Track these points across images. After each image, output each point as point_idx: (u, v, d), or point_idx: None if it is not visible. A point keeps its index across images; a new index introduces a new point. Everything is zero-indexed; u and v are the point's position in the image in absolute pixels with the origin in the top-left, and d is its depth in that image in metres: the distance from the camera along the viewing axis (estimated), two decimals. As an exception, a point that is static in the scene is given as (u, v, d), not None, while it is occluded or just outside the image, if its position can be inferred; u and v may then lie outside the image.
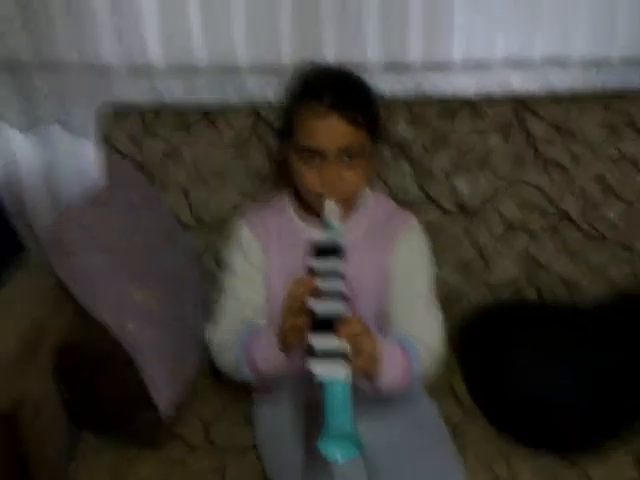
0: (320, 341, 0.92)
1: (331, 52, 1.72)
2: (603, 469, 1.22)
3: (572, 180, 1.57)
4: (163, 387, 1.27)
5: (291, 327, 1.00)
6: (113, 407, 1.26)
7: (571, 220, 1.59)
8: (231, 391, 1.38)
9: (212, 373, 1.44)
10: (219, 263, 1.56)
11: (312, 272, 1.00)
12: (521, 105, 1.57)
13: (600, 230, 1.59)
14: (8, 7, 1.70)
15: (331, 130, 1.10)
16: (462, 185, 1.57)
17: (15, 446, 1.09)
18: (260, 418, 1.27)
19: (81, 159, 1.87)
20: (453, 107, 1.56)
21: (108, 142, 1.57)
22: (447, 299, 1.57)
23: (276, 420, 1.23)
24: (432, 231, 1.54)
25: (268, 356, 1.07)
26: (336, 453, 0.88)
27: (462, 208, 1.58)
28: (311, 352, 0.91)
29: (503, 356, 1.34)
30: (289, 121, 1.16)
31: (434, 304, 1.22)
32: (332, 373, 0.90)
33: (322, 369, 0.90)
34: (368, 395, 1.05)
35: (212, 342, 1.20)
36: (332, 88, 1.12)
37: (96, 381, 1.24)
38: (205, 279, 1.55)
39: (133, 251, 1.34)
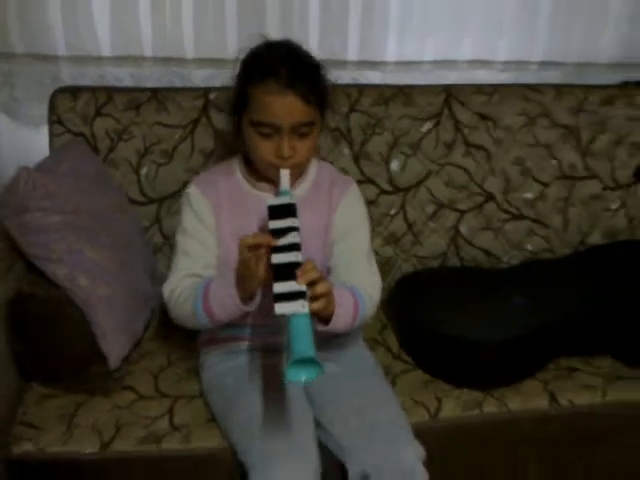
0: (282, 286, 1.04)
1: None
2: (519, 399, 1.36)
3: (494, 163, 1.73)
4: (113, 340, 1.32)
5: (248, 276, 1.08)
6: (63, 359, 1.30)
7: (494, 199, 1.74)
8: (176, 349, 1.47)
9: (158, 335, 1.51)
10: (166, 237, 1.64)
11: (271, 232, 1.10)
12: (449, 95, 1.71)
13: (519, 208, 1.75)
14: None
15: (287, 107, 1.17)
16: (396, 166, 1.70)
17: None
18: (207, 367, 1.33)
19: (29, 147, 1.91)
20: (387, 95, 1.70)
21: (60, 122, 1.62)
22: (380, 269, 1.68)
23: (227, 370, 1.30)
24: (368, 207, 1.67)
25: (226, 304, 1.14)
26: (300, 375, 0.99)
27: (396, 187, 1.70)
28: (276, 297, 1.03)
29: (430, 306, 1.47)
30: (243, 95, 1.23)
31: (372, 258, 1.33)
32: (294, 308, 1.02)
33: (285, 307, 1.02)
34: (320, 335, 1.13)
35: (167, 297, 1.25)
36: (286, 66, 1.19)
37: (47, 333, 1.28)
38: (152, 252, 1.62)
39: (84, 214, 1.39)
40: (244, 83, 1.23)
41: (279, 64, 1.19)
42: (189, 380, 1.37)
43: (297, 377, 0.99)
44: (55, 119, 1.62)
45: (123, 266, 1.42)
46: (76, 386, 1.30)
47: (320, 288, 1.06)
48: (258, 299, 1.13)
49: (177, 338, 1.47)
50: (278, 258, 1.06)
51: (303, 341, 0.98)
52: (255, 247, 1.06)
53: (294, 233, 1.08)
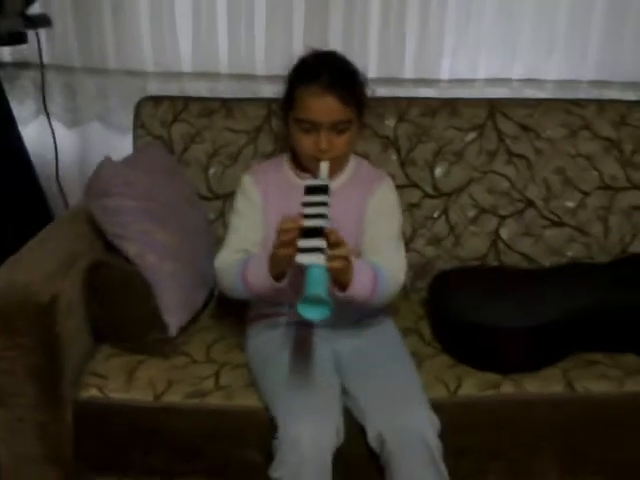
0: (305, 242, 1.19)
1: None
2: (537, 384, 1.43)
3: (536, 172, 1.82)
4: (174, 312, 1.51)
5: (281, 256, 1.24)
6: (130, 324, 1.50)
7: (534, 206, 1.83)
8: (229, 326, 1.64)
9: (215, 313, 1.69)
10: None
11: (304, 204, 1.26)
12: (493, 107, 1.83)
13: (559, 216, 1.83)
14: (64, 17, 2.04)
15: (326, 107, 1.37)
16: (440, 172, 1.82)
17: (52, 333, 1.32)
18: (252, 337, 1.51)
19: (117, 152, 2.15)
20: (434, 107, 1.84)
21: (143, 127, 1.86)
22: (421, 268, 1.81)
23: (266, 339, 1.47)
24: (412, 210, 1.81)
25: (259, 277, 1.31)
26: (312, 313, 1.13)
27: (440, 192, 1.83)
28: (299, 251, 1.18)
29: (460, 295, 1.58)
30: (290, 96, 1.43)
31: (400, 244, 1.47)
32: (312, 259, 1.17)
33: (305, 258, 1.17)
34: (339, 302, 1.27)
35: (217, 267, 1.43)
36: (327, 71, 1.38)
37: (117, 300, 1.49)
38: (215, 242, 1.81)
39: (157, 202, 1.60)
40: (292, 85, 1.42)
41: (321, 70, 1.37)
42: (237, 352, 1.54)
43: (309, 314, 1.13)
44: (139, 124, 1.86)
45: (187, 249, 1.61)
46: (139, 348, 1.50)
47: (340, 250, 1.20)
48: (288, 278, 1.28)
49: (231, 317, 1.64)
50: (307, 223, 1.21)
51: (317, 285, 1.12)
52: (289, 231, 1.21)
53: (324, 206, 1.24)
